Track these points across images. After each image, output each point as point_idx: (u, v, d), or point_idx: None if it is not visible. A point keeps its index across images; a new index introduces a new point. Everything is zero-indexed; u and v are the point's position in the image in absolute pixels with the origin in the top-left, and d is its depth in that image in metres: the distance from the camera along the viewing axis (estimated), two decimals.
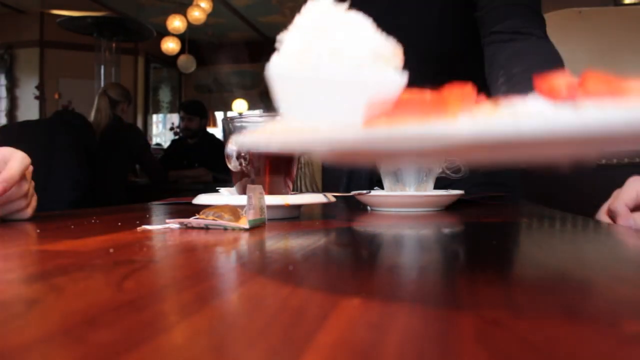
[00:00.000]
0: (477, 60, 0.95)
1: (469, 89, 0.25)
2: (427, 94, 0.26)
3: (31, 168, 0.63)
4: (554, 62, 0.73)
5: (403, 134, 0.22)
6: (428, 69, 0.97)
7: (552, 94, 0.24)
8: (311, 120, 0.33)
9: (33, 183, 0.66)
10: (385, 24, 1.13)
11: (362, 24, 0.36)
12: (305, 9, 0.36)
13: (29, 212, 0.64)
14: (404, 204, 0.77)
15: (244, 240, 0.46)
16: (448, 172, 0.79)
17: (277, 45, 0.35)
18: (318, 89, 0.34)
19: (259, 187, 0.55)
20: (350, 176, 1.14)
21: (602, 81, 0.26)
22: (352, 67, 0.33)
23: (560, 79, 0.24)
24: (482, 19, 0.84)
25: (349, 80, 0.33)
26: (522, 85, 0.65)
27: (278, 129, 0.33)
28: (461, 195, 0.79)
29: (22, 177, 0.60)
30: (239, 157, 0.65)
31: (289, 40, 0.35)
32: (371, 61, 0.34)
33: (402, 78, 0.35)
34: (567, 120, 0.19)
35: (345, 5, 0.37)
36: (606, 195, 0.61)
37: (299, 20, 0.36)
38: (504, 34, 0.80)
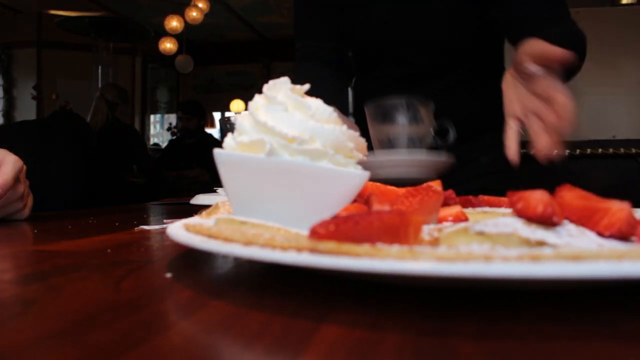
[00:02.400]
0: (487, 56, 0.93)
1: (419, 222, 0.24)
2: (388, 210, 0.24)
3: (25, 168, 0.63)
4: (575, 41, 0.72)
5: (349, 264, 0.20)
6: (438, 62, 0.96)
7: (526, 212, 0.23)
8: (257, 216, 0.30)
9: (27, 182, 0.66)
10: (396, 18, 1.09)
11: (324, 111, 0.32)
12: (265, 89, 0.33)
13: (26, 212, 0.64)
14: (396, 164, 0.74)
15: None
16: (436, 137, 0.78)
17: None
18: (268, 180, 0.30)
19: None
20: None
21: (578, 197, 0.26)
22: (308, 159, 0.30)
23: (535, 197, 0.24)
24: (501, 19, 0.80)
25: (303, 173, 0.30)
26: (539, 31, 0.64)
27: (222, 218, 0.30)
28: (452, 162, 0.77)
29: (16, 180, 0.60)
30: None
31: (241, 125, 0.32)
32: (332, 153, 0.31)
33: (364, 173, 0.32)
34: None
35: (305, 87, 0.33)
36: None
37: (256, 100, 0.32)
38: (530, 22, 0.77)
